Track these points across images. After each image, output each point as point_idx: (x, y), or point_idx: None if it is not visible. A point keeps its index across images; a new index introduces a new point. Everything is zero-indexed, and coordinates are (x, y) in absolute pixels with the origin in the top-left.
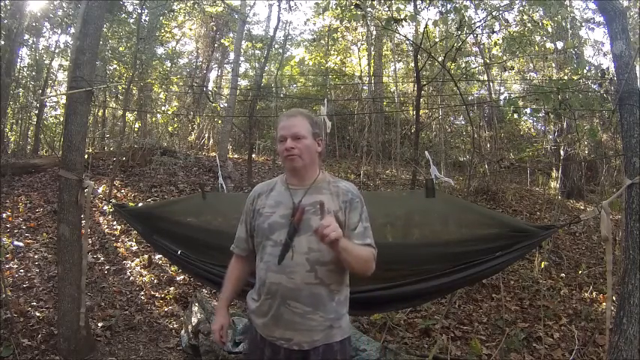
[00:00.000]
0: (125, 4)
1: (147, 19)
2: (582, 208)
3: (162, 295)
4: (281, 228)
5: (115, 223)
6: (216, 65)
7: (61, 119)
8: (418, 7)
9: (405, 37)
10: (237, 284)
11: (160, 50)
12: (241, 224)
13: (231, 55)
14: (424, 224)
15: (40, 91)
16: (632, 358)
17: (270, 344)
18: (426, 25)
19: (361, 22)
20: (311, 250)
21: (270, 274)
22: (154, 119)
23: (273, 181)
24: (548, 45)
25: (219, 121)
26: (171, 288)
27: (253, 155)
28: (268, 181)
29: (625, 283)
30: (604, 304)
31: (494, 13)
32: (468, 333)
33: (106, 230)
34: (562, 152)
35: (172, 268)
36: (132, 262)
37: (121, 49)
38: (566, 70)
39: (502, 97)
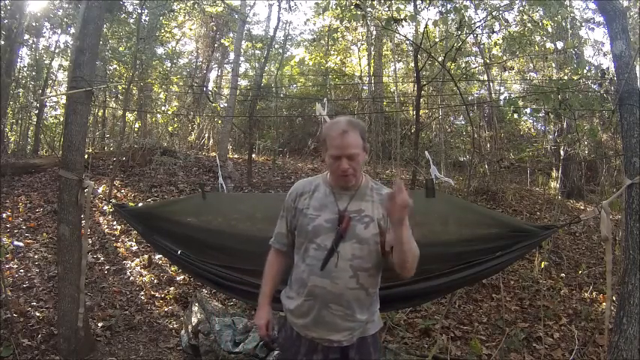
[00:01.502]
0: (125, 4)
1: (147, 19)
2: (582, 208)
3: (163, 295)
4: (326, 232)
5: (115, 223)
6: (216, 65)
7: (61, 119)
8: (418, 7)
9: (405, 37)
10: (278, 278)
11: (160, 50)
12: (281, 219)
13: (231, 55)
14: (424, 224)
15: (40, 91)
16: (632, 358)
17: (308, 341)
18: (426, 25)
19: (361, 22)
20: (354, 257)
21: (314, 278)
22: (154, 119)
23: (316, 180)
24: (548, 45)
25: (219, 121)
26: (172, 288)
27: (253, 155)
28: (310, 179)
29: (625, 283)
30: (604, 304)
31: (494, 13)
32: (468, 333)
33: (106, 230)
34: (562, 152)
35: (172, 268)
36: (132, 262)
37: (121, 49)
38: (566, 70)
39: (502, 97)
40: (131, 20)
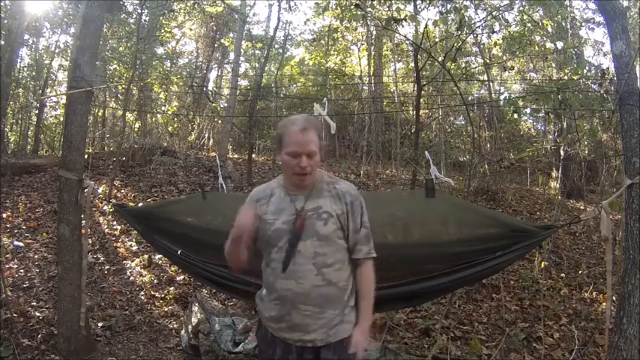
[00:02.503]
0: (125, 4)
1: (147, 19)
2: (582, 208)
3: (163, 295)
4: (285, 235)
5: (115, 223)
6: (216, 65)
7: (61, 119)
8: (418, 7)
9: (405, 37)
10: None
11: (160, 50)
12: None
13: (231, 55)
14: (424, 224)
15: (40, 91)
16: (632, 358)
17: (282, 342)
18: (426, 25)
19: (361, 22)
20: (317, 255)
21: (279, 281)
22: (154, 119)
23: (270, 185)
24: (548, 45)
25: (219, 121)
26: (171, 288)
27: (253, 155)
28: (265, 186)
29: (625, 283)
30: (604, 304)
31: (494, 13)
32: (468, 333)
33: (106, 230)
34: (562, 152)
35: (172, 268)
36: (132, 262)
37: (121, 49)
38: (566, 70)
39: (502, 97)
40: (131, 20)
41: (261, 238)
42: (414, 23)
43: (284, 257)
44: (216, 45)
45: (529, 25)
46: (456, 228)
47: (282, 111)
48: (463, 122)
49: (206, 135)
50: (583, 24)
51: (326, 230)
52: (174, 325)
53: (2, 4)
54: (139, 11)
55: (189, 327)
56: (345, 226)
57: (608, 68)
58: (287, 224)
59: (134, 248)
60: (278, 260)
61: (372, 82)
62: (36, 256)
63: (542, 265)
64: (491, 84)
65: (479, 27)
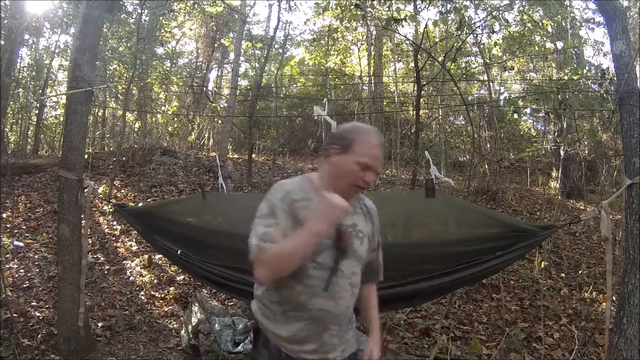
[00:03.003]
0: (125, 4)
1: (147, 19)
2: (582, 208)
3: (163, 295)
4: (325, 249)
5: (115, 223)
6: (216, 65)
7: (61, 119)
8: (418, 7)
9: (405, 37)
10: None
11: (160, 50)
12: (276, 226)
13: (231, 55)
14: (424, 224)
15: (40, 91)
16: (632, 358)
17: None
18: (426, 25)
19: (361, 22)
20: (352, 274)
21: (317, 300)
22: (154, 119)
23: (303, 186)
24: (548, 45)
25: (219, 121)
26: (171, 288)
27: (253, 155)
28: (296, 185)
29: (625, 283)
30: (604, 304)
31: (494, 13)
32: (468, 333)
33: (106, 230)
34: (562, 152)
35: (172, 268)
36: (132, 262)
37: (121, 49)
38: (566, 70)
39: (502, 97)
40: (131, 20)
41: None
42: (414, 23)
43: (327, 275)
44: (216, 45)
45: (529, 25)
46: (456, 228)
47: (282, 111)
48: (463, 122)
49: (206, 135)
50: (583, 24)
51: (362, 250)
52: (174, 325)
53: (2, 4)
54: (139, 11)
55: (189, 327)
56: (372, 246)
57: (608, 68)
58: (327, 238)
59: (134, 248)
60: (317, 278)
61: (372, 82)
62: (36, 256)
63: (542, 265)
64: (491, 84)
65: (479, 27)
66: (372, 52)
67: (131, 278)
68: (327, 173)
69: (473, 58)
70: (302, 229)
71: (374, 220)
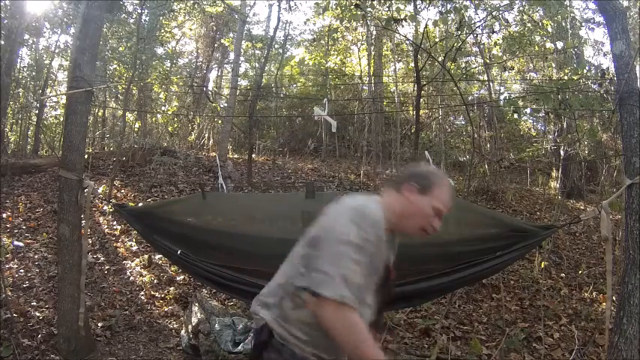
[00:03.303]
0: (125, 4)
1: (147, 19)
2: (582, 208)
3: (163, 295)
4: (372, 287)
5: (115, 223)
6: (216, 65)
7: (61, 119)
8: (418, 7)
9: (405, 37)
10: None
11: (160, 50)
12: (362, 270)
13: (231, 55)
14: None
15: (40, 91)
16: (632, 358)
17: None
18: (426, 25)
19: (361, 22)
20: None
21: None
22: (154, 119)
23: (380, 215)
24: (548, 45)
25: (219, 121)
26: (171, 288)
27: (253, 155)
28: (379, 213)
29: (625, 283)
30: (604, 304)
31: (494, 13)
32: (468, 333)
33: (106, 230)
34: (562, 152)
35: (172, 268)
36: (132, 262)
37: (121, 49)
38: (566, 70)
39: (502, 97)
40: (131, 20)
41: (363, 289)
42: (414, 23)
43: (372, 315)
44: (216, 45)
45: (529, 25)
46: (456, 228)
47: (282, 111)
48: (463, 122)
49: (206, 135)
50: (583, 24)
51: None
52: (174, 325)
53: (2, 4)
54: (139, 11)
55: (189, 327)
56: None
57: (608, 68)
58: (381, 278)
59: (134, 248)
60: (362, 315)
61: (372, 82)
62: (36, 256)
63: (542, 265)
64: (491, 84)
65: (479, 27)
66: (372, 52)
67: (131, 278)
68: (399, 208)
69: (473, 58)
70: (375, 349)
71: (396, 249)
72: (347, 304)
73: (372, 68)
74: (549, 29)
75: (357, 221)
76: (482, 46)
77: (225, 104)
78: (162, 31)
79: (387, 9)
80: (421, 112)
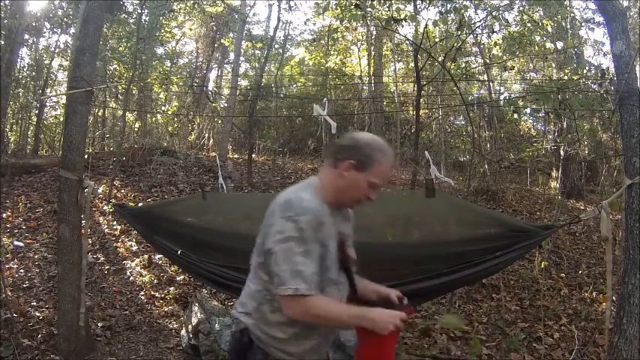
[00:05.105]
0: (125, 4)
1: (147, 19)
2: (582, 208)
3: (163, 295)
4: (335, 264)
5: (115, 223)
6: (216, 65)
7: (61, 119)
8: (418, 7)
9: (405, 37)
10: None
11: (160, 50)
12: (311, 258)
13: (231, 55)
14: (424, 224)
15: (40, 91)
16: (632, 358)
17: None
18: (426, 25)
19: (361, 22)
20: (358, 283)
21: None
22: (154, 119)
23: (315, 196)
24: (548, 45)
25: (219, 121)
26: (172, 288)
27: (253, 155)
28: (312, 197)
29: (625, 283)
30: (604, 304)
31: (494, 13)
32: (468, 333)
33: (106, 230)
34: (562, 152)
35: (172, 268)
36: (132, 262)
37: (121, 49)
38: (566, 70)
39: (502, 97)
40: (131, 20)
41: (322, 272)
42: (414, 23)
43: (350, 291)
44: (216, 45)
45: (529, 25)
46: (456, 228)
47: (282, 111)
48: (463, 122)
49: (206, 135)
50: (583, 24)
51: (355, 257)
52: (174, 325)
53: (2, 4)
54: (139, 11)
55: (189, 327)
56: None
57: (608, 68)
58: (337, 252)
59: (134, 248)
60: (331, 294)
61: (372, 82)
62: (36, 256)
63: (542, 265)
64: (491, 84)
65: (479, 27)
66: (372, 52)
67: (131, 278)
68: (333, 184)
69: (473, 58)
70: (358, 311)
71: (353, 220)
72: (303, 294)
73: (372, 68)
74: (549, 29)
75: (288, 215)
76: (482, 46)
77: (225, 104)
78: (163, 31)
79: (387, 9)
80: (421, 112)
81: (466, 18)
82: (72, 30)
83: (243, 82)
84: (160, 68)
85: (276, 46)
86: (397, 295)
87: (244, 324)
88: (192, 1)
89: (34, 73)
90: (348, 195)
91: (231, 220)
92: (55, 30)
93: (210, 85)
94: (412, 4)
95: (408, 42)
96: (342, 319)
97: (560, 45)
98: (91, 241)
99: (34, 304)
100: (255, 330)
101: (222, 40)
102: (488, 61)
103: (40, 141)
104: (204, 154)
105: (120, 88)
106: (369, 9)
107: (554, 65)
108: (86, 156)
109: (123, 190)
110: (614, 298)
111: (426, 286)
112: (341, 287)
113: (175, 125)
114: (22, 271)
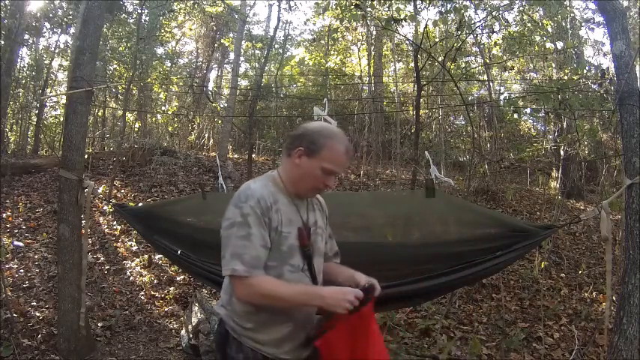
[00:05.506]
0: (125, 4)
1: (147, 19)
2: (582, 208)
3: (163, 295)
4: (295, 251)
5: (115, 223)
6: (216, 65)
7: (61, 119)
8: (418, 7)
9: (405, 37)
10: None
11: (160, 50)
12: (254, 241)
13: (231, 55)
14: (424, 224)
15: (40, 91)
16: (632, 358)
17: None
18: (426, 25)
19: (361, 22)
20: (319, 272)
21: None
22: (154, 119)
23: (267, 186)
24: (548, 45)
25: (219, 121)
26: (172, 288)
27: (253, 155)
28: (261, 186)
29: (625, 283)
30: (604, 304)
31: (494, 13)
32: (468, 333)
33: (106, 230)
34: (562, 152)
35: (172, 268)
36: (132, 262)
37: (121, 49)
38: (566, 70)
39: (502, 97)
40: (131, 20)
41: (273, 252)
42: (414, 23)
43: (305, 277)
44: (216, 45)
45: (529, 25)
46: (456, 228)
47: (282, 111)
48: (463, 122)
49: (206, 135)
50: (583, 24)
51: (322, 247)
52: (174, 325)
53: (2, 4)
54: (139, 11)
55: (189, 327)
56: (325, 237)
57: (608, 68)
58: (296, 239)
59: (134, 248)
60: (294, 280)
61: (372, 82)
62: (36, 256)
63: (542, 265)
64: (491, 84)
65: (479, 27)
66: (372, 52)
67: (131, 278)
68: (289, 173)
69: (473, 58)
70: (308, 288)
71: (325, 210)
72: (240, 275)
73: (372, 68)
74: (549, 29)
75: (235, 202)
76: (482, 46)
77: (225, 104)
78: (163, 31)
79: (387, 9)
80: (421, 112)
81: (466, 18)
82: (72, 30)
83: (243, 82)
84: (159, 68)
85: (276, 46)
86: (368, 280)
87: (220, 316)
88: (192, 1)
89: (34, 73)
90: (305, 183)
91: None
92: (55, 30)
93: (210, 85)
94: (412, 4)
95: (408, 42)
96: (293, 298)
97: (560, 45)
98: (91, 241)
99: (34, 304)
100: (229, 321)
101: (222, 40)
102: (488, 61)
103: (40, 141)
104: (204, 154)
105: (120, 88)
106: (369, 9)
107: (554, 65)
108: (86, 156)
109: (123, 190)
110: (614, 298)
111: (426, 286)
112: (301, 273)
113: (175, 125)
114: (22, 271)
